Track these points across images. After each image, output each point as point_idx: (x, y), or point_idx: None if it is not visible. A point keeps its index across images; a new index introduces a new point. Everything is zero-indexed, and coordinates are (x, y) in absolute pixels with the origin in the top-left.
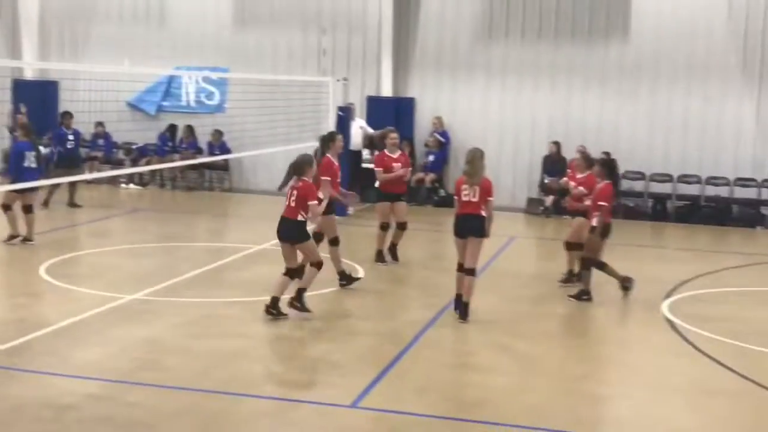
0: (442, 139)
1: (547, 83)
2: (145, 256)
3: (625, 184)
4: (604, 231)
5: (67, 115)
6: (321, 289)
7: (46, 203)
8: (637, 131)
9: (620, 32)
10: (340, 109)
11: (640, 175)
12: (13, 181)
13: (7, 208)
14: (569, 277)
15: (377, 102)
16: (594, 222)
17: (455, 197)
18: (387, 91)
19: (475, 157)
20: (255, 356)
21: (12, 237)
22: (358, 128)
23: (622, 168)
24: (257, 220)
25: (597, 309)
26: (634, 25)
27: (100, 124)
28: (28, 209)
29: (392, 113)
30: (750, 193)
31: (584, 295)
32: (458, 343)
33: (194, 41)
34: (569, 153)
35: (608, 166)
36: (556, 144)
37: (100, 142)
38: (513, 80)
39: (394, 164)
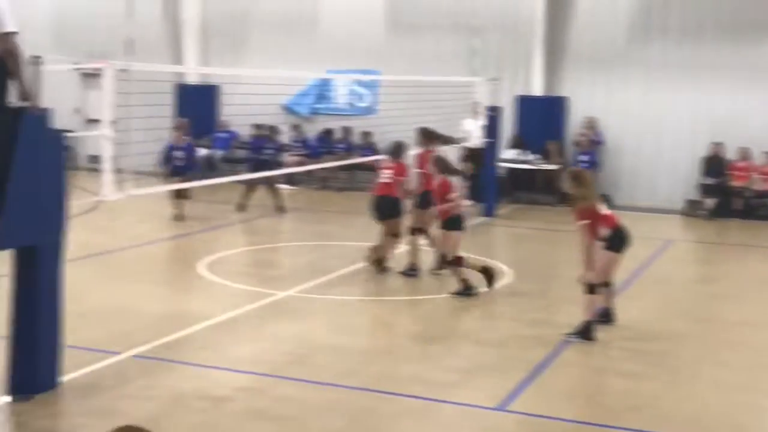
0: (596, 139)
1: (708, 82)
2: (298, 254)
3: None
4: None
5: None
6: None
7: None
8: None
9: None
10: (489, 109)
11: None
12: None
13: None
14: None
15: (527, 101)
16: None
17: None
18: (537, 90)
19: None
20: (402, 355)
21: None
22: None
23: None
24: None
25: (745, 312)
26: None
27: (260, 126)
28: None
29: (542, 112)
30: None
31: None
32: (606, 349)
33: (346, 45)
34: (731, 154)
35: None
36: (718, 145)
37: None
38: (671, 79)
39: None
